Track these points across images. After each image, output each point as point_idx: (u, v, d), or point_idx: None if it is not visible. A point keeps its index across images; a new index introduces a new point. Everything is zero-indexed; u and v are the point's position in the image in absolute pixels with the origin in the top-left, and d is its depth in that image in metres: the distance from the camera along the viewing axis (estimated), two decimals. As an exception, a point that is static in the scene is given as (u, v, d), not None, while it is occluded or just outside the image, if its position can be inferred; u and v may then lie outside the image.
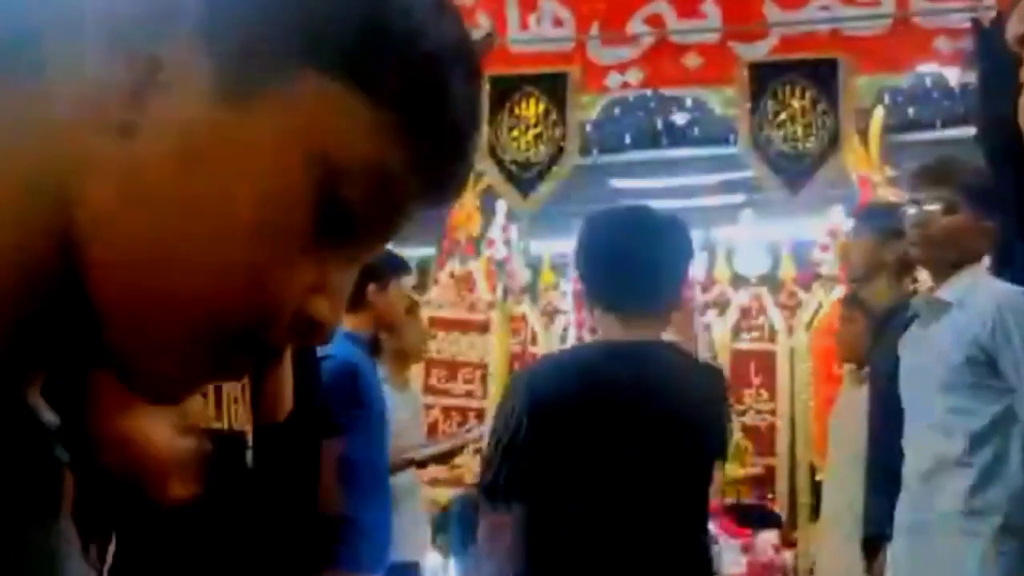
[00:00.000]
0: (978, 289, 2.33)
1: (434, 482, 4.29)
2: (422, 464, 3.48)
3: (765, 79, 4.45)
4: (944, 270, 2.38)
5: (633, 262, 1.99)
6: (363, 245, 0.53)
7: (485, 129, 4.71)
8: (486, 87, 4.70)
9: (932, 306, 2.40)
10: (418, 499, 3.63)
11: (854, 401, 3.33)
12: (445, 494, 4.58)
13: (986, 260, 2.47)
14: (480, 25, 4.81)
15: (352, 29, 0.49)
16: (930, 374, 2.33)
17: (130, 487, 0.98)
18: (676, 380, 2.00)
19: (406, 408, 3.67)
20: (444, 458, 3.69)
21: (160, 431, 1.00)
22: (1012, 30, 1.72)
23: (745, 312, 5.43)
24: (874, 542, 2.75)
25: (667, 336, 2.23)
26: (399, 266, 3.19)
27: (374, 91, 0.49)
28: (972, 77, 4.35)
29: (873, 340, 3.00)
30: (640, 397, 1.96)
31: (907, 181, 2.54)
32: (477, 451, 5.23)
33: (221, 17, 0.48)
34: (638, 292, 2.01)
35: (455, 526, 3.36)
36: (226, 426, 1.97)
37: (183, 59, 0.47)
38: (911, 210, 2.41)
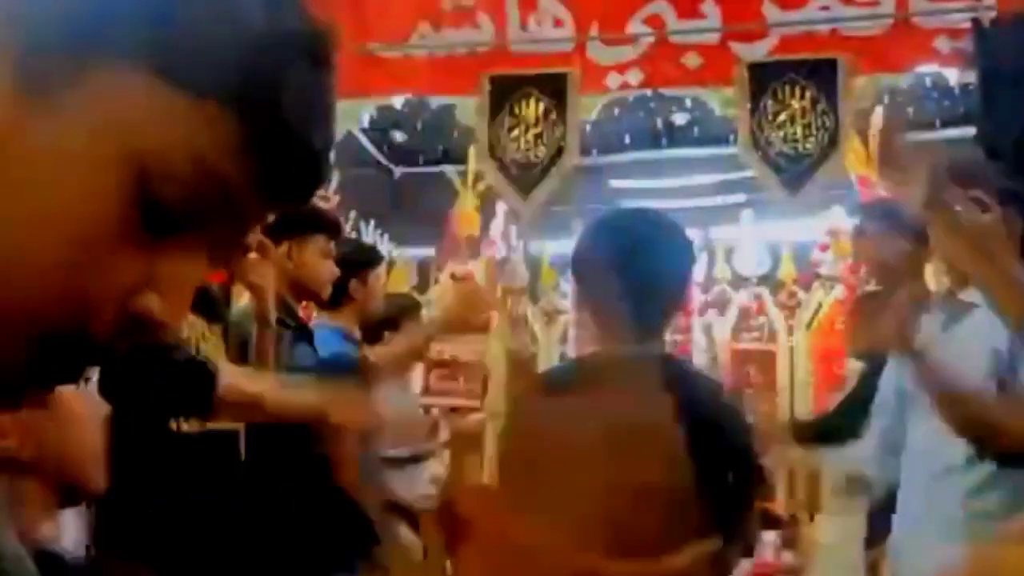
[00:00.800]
0: None
1: (436, 482, 4.29)
2: (416, 460, 3.50)
3: (765, 79, 4.45)
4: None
5: (628, 274, 1.91)
6: (201, 237, 0.51)
7: (485, 129, 4.71)
8: (486, 87, 4.71)
9: (957, 307, 2.38)
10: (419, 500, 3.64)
11: None
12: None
13: None
14: (480, 25, 4.81)
15: (152, 17, 0.48)
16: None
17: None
18: (692, 394, 1.95)
19: (406, 407, 3.67)
20: (419, 460, 3.71)
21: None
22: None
23: (745, 312, 5.43)
24: (875, 543, 2.75)
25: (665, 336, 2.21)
26: (372, 257, 3.25)
27: (187, 81, 0.48)
28: (972, 77, 4.35)
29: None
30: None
31: (933, 180, 2.48)
32: (477, 451, 5.24)
33: (15, 15, 0.47)
34: (632, 305, 1.98)
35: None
36: (226, 425, 1.97)
37: None
38: (937, 215, 2.37)
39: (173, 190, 0.48)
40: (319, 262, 2.73)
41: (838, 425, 2.79)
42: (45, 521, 1.00)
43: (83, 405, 1.03)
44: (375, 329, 3.60)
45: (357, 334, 3.18)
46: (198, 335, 2.00)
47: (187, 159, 0.48)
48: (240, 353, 2.41)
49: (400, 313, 3.77)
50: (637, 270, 1.94)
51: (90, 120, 0.47)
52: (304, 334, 2.77)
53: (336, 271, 2.79)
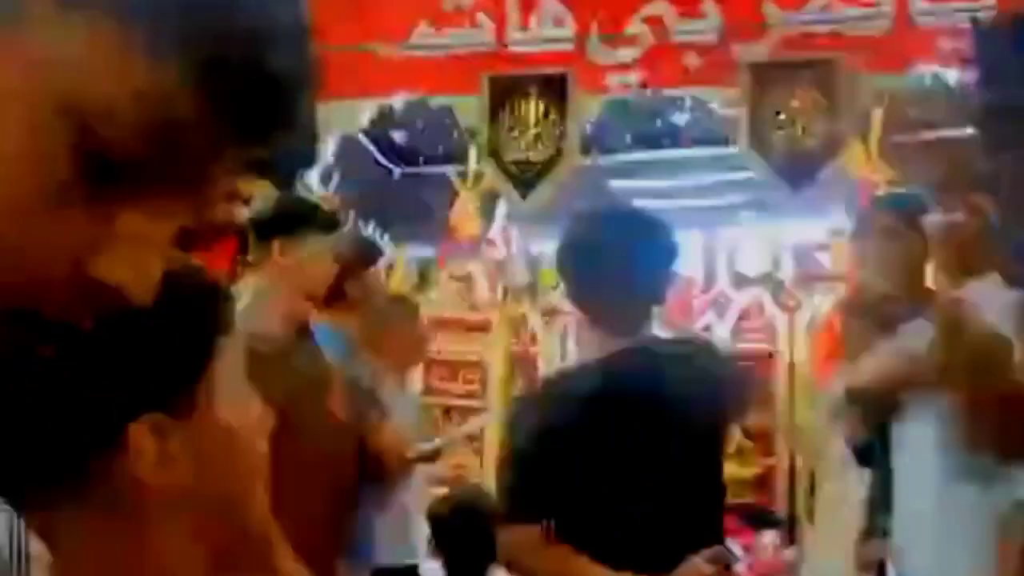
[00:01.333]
0: (997, 294, 2.31)
1: (435, 482, 4.28)
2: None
3: (765, 79, 4.45)
4: (965, 273, 2.36)
5: (609, 265, 1.99)
6: (160, 191, 0.46)
7: (485, 129, 4.70)
8: (486, 87, 4.71)
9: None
10: (418, 500, 3.63)
11: None
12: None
13: None
14: (480, 25, 4.81)
15: None
16: None
17: None
18: (674, 382, 1.97)
19: (406, 409, 3.66)
20: (427, 460, 3.68)
21: None
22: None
23: (745, 312, 5.42)
24: (871, 542, 2.75)
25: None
26: (369, 253, 3.23)
27: (134, 23, 0.43)
28: (972, 77, 4.34)
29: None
30: (644, 414, 1.93)
31: (934, 184, 2.49)
32: (477, 452, 5.24)
33: None
34: (615, 296, 2.01)
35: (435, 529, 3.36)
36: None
37: None
38: (939, 214, 2.37)
39: (116, 133, 0.43)
40: (314, 260, 2.70)
41: None
42: None
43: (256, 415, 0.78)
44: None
45: (350, 335, 3.15)
46: None
47: (128, 97, 0.43)
48: None
49: (396, 315, 3.74)
50: (615, 266, 1.97)
51: (22, 66, 0.43)
52: (308, 334, 2.75)
53: (330, 270, 2.75)
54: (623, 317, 2.02)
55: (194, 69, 0.45)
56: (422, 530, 3.52)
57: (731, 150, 5.13)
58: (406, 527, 3.37)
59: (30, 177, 0.42)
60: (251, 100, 0.48)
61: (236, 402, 0.72)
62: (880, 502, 2.60)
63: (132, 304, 0.46)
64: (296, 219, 2.66)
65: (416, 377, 4.89)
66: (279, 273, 2.58)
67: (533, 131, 4.65)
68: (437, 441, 3.81)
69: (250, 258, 2.66)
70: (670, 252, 2.11)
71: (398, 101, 5.24)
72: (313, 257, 2.64)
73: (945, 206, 2.36)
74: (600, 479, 1.93)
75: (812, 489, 4.67)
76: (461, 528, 3.01)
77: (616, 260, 1.98)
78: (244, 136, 0.49)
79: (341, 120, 5.05)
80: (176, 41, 0.44)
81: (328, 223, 2.80)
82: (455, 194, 5.69)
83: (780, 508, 4.91)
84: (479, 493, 3.43)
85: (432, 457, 3.71)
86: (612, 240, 2.00)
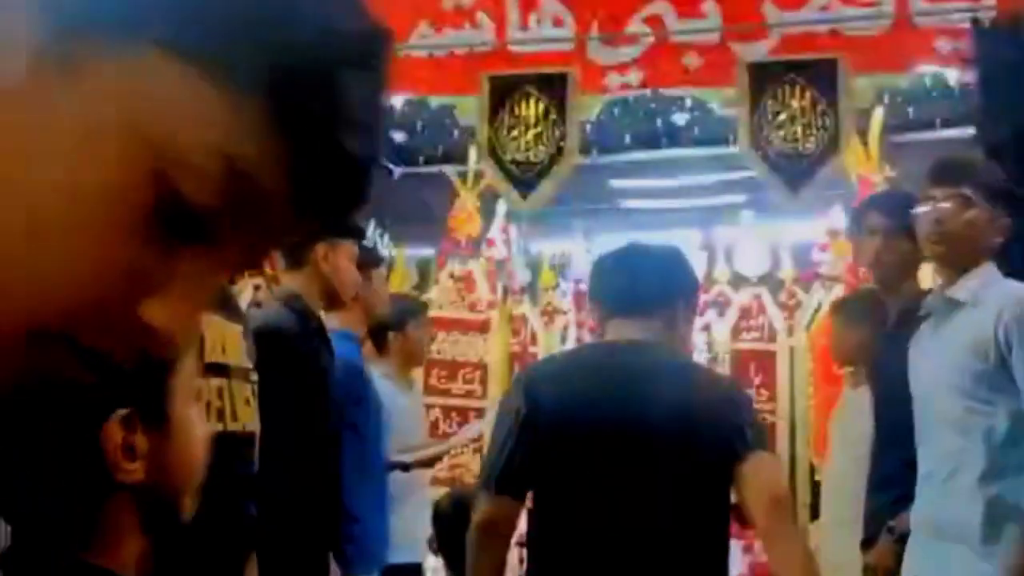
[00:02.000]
0: (992, 287, 2.31)
1: (435, 482, 4.28)
2: (407, 468, 3.48)
3: (765, 79, 4.45)
4: (958, 268, 2.35)
5: (626, 273, 2.14)
6: (225, 246, 0.46)
7: (485, 129, 4.70)
8: (486, 87, 4.71)
9: (947, 305, 2.37)
10: (420, 500, 3.63)
11: (855, 402, 3.32)
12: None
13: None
14: (480, 25, 4.81)
15: (194, 6, 0.44)
16: (946, 374, 2.30)
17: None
18: (668, 378, 2.00)
19: (411, 408, 3.67)
20: (428, 464, 3.70)
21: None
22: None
23: (745, 312, 5.43)
24: (873, 543, 2.74)
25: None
26: (373, 256, 3.26)
27: (226, 74, 0.44)
28: (972, 77, 4.35)
29: (889, 340, 2.88)
30: (633, 397, 1.97)
31: (923, 178, 2.49)
32: (477, 451, 5.23)
33: None
34: (628, 295, 2.11)
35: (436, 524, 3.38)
36: (241, 428, 1.97)
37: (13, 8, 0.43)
38: (926, 207, 2.37)
39: (195, 187, 0.44)
40: (349, 267, 2.74)
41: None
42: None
43: (202, 424, 0.94)
44: (379, 331, 3.60)
45: (361, 335, 3.18)
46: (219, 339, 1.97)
47: (214, 156, 0.44)
48: None
49: (404, 315, 3.76)
50: (629, 272, 2.14)
51: (115, 98, 0.43)
52: (323, 335, 2.75)
53: (359, 276, 2.80)
54: (635, 320, 2.14)
55: (284, 144, 0.45)
56: (424, 529, 3.52)
57: (731, 150, 5.13)
58: (409, 526, 3.38)
59: (107, 209, 0.43)
60: (335, 182, 0.48)
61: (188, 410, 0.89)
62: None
63: (172, 351, 0.46)
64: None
65: (416, 377, 4.89)
66: (319, 277, 2.64)
67: (533, 131, 4.65)
68: (437, 447, 3.82)
69: (282, 262, 2.69)
70: (686, 276, 2.25)
71: (398, 101, 5.24)
72: (348, 262, 2.71)
73: (934, 199, 2.36)
74: (582, 467, 2.00)
75: (813, 488, 4.69)
76: (463, 527, 3.01)
77: (631, 270, 2.16)
78: (321, 212, 0.49)
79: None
80: (271, 115, 0.45)
81: (361, 233, 2.91)
82: (455, 194, 5.69)
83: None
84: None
85: (431, 463, 3.72)
86: (631, 259, 2.20)
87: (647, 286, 2.10)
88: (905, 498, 2.46)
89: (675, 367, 2.11)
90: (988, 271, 2.35)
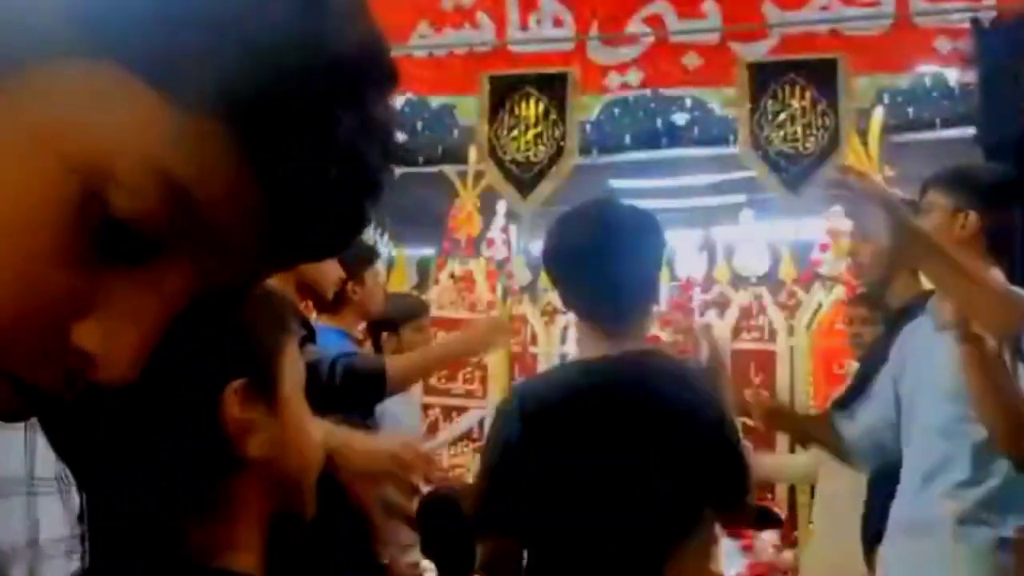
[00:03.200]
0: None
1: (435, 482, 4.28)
2: None
3: (765, 79, 4.45)
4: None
5: (600, 270, 1.90)
6: (168, 277, 0.43)
7: (485, 129, 4.70)
8: (486, 87, 4.71)
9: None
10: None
11: None
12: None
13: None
14: (480, 25, 4.81)
15: (134, 14, 0.40)
16: (937, 378, 2.29)
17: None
18: (660, 393, 1.90)
19: (406, 408, 3.66)
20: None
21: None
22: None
23: (745, 312, 5.43)
24: (878, 538, 2.74)
25: (665, 336, 2.20)
26: (367, 255, 3.23)
27: (185, 94, 0.40)
28: (972, 77, 4.35)
29: (886, 339, 2.90)
30: (623, 417, 1.87)
31: (920, 188, 2.50)
32: (477, 450, 5.23)
33: None
34: (608, 302, 1.92)
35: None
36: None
37: None
38: (923, 216, 2.37)
39: (128, 204, 0.40)
40: (330, 263, 2.70)
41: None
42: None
43: (310, 415, 0.89)
44: (377, 330, 3.59)
45: (358, 334, 3.18)
46: None
47: (151, 173, 0.40)
48: None
49: (404, 315, 3.74)
50: (601, 270, 1.89)
51: (32, 112, 0.40)
52: (310, 334, 2.73)
53: (341, 272, 2.77)
54: (616, 319, 1.96)
55: (251, 168, 0.41)
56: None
57: (731, 150, 5.13)
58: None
59: (30, 229, 0.40)
60: (315, 217, 0.44)
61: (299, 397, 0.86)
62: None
63: (111, 375, 0.42)
64: None
65: (416, 377, 4.88)
66: (296, 273, 2.60)
67: (533, 131, 4.65)
68: (431, 444, 3.79)
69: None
70: (658, 250, 2.05)
71: (398, 101, 5.25)
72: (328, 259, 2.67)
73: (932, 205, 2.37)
74: (569, 493, 1.87)
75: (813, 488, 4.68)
76: (445, 528, 3.01)
77: (602, 264, 1.90)
78: (301, 251, 0.45)
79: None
80: (235, 134, 0.41)
81: (370, 251, 2.90)
82: (455, 194, 5.69)
83: (780, 508, 4.91)
84: (461, 492, 3.43)
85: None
86: (596, 244, 1.91)
87: (630, 292, 1.94)
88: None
89: (665, 382, 1.96)
90: (995, 274, 2.35)
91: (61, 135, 0.40)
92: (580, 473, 1.87)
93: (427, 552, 3.22)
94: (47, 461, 1.42)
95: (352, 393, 2.47)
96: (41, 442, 1.41)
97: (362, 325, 3.38)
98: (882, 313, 3.09)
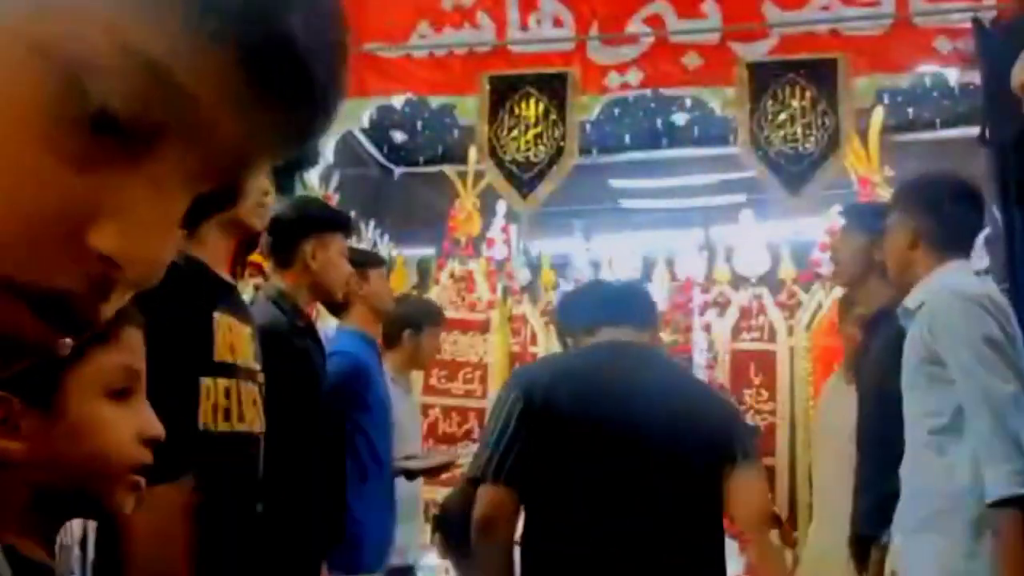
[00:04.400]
0: (932, 293, 2.39)
1: (435, 482, 4.28)
2: (412, 476, 3.44)
3: (765, 79, 4.45)
4: (903, 284, 2.49)
5: (614, 291, 2.29)
6: (170, 173, 0.42)
7: (485, 129, 4.70)
8: (486, 87, 4.71)
9: (905, 315, 2.47)
10: (413, 503, 3.62)
11: (843, 400, 3.32)
12: (444, 494, 4.57)
13: (952, 262, 2.46)
14: (480, 25, 4.80)
15: None
16: (907, 376, 2.41)
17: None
18: (671, 380, 2.03)
19: (407, 410, 3.67)
20: (434, 472, 3.62)
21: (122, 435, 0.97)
22: (1016, 78, 1.81)
23: (745, 312, 5.42)
24: (865, 542, 2.76)
25: (665, 336, 2.28)
26: (374, 257, 3.27)
27: None
28: (972, 77, 4.35)
29: (862, 341, 3.00)
30: (632, 397, 1.98)
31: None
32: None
33: None
34: (621, 306, 2.20)
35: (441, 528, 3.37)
36: (247, 429, 1.96)
37: None
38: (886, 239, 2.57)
39: (113, 88, 0.39)
40: (339, 262, 2.71)
41: None
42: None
43: (126, 424, 0.98)
44: (398, 328, 3.57)
45: (373, 335, 3.19)
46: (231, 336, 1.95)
47: (131, 55, 0.40)
48: None
49: (428, 318, 3.75)
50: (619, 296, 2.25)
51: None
52: (312, 333, 2.74)
53: (351, 270, 2.79)
54: (631, 329, 2.20)
55: (224, 44, 0.41)
56: (417, 531, 3.52)
57: (731, 150, 5.13)
58: (406, 527, 3.37)
59: (21, 127, 0.39)
60: (289, 90, 0.44)
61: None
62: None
63: (128, 277, 0.42)
64: (324, 222, 2.69)
65: (416, 377, 4.88)
66: (308, 274, 2.62)
67: (533, 131, 4.65)
68: (442, 457, 3.76)
69: (270, 258, 2.68)
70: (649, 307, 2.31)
71: (398, 101, 5.25)
72: (338, 257, 2.68)
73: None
74: (581, 460, 2.02)
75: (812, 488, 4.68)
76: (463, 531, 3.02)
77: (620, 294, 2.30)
78: (278, 129, 0.45)
79: (341, 120, 5.04)
80: (202, 26, 0.40)
81: (349, 227, 2.88)
82: (455, 194, 5.69)
83: (780, 508, 4.91)
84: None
85: (437, 472, 3.62)
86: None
87: (639, 300, 2.20)
88: (889, 497, 2.47)
89: (673, 367, 2.13)
90: (935, 276, 2.42)
91: (29, 21, 0.39)
92: (606, 436, 2.01)
93: (448, 552, 3.23)
94: None
95: None
96: None
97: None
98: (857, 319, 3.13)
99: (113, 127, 0.40)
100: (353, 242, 3.89)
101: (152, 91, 0.40)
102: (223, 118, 0.42)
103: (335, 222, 2.74)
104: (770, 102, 4.43)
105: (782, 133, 4.41)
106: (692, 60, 4.58)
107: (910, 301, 2.43)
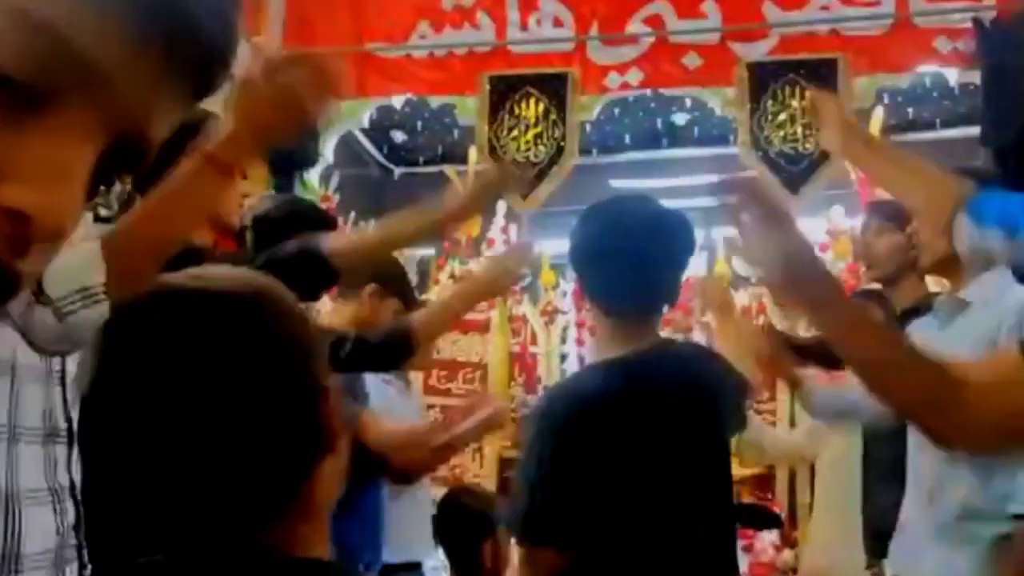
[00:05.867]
0: (1003, 291, 2.31)
1: (435, 481, 4.28)
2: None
3: (765, 79, 4.45)
4: (970, 274, 2.37)
5: (630, 265, 1.88)
6: (71, 120, 0.42)
7: (485, 129, 4.70)
8: (486, 87, 4.71)
9: (955, 306, 2.38)
10: (419, 499, 3.62)
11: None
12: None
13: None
14: (480, 25, 4.81)
15: None
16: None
17: None
18: (693, 384, 1.88)
19: (407, 407, 3.66)
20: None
21: None
22: None
23: (745, 312, 5.42)
24: (881, 539, 2.75)
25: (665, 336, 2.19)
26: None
27: None
28: (972, 77, 4.35)
29: None
30: (673, 405, 1.83)
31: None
32: (477, 451, 5.24)
33: None
34: (636, 297, 1.92)
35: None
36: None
37: None
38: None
39: (4, 50, 0.40)
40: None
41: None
42: None
43: None
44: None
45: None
46: None
47: (9, 15, 0.40)
48: None
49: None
50: (632, 271, 1.88)
51: None
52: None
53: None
54: (640, 315, 1.96)
55: (109, 15, 0.42)
56: (425, 528, 3.52)
57: (731, 150, 5.13)
58: (409, 525, 3.37)
59: None
60: (182, 33, 0.44)
61: None
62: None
63: (40, 232, 0.42)
64: (309, 221, 2.68)
65: (416, 377, 4.88)
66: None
67: (533, 131, 4.65)
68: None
69: (254, 257, 2.68)
70: (686, 250, 2.02)
71: (398, 101, 5.25)
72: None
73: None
74: (627, 496, 1.78)
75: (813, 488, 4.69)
76: (461, 524, 3.03)
77: (633, 265, 1.88)
78: (180, 73, 0.45)
79: (341, 120, 5.05)
80: None
81: (332, 225, 2.84)
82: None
83: (780, 508, 4.91)
84: (480, 492, 3.45)
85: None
86: (627, 246, 1.89)
87: (668, 286, 1.94)
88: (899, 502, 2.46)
89: (700, 362, 1.98)
90: (1000, 276, 2.36)
91: None
92: (644, 472, 1.79)
93: (444, 550, 3.24)
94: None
95: (385, 352, 2.49)
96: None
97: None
98: (885, 312, 3.10)
99: (8, 86, 0.40)
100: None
101: (47, 54, 0.40)
102: (120, 78, 0.43)
103: (319, 222, 2.73)
104: (770, 102, 4.43)
105: (782, 133, 4.41)
106: (692, 60, 4.59)
107: (969, 294, 2.33)
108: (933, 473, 2.29)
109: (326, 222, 2.76)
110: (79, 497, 1.50)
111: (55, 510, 1.44)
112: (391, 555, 3.15)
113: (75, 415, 1.52)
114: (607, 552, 1.77)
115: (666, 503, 1.80)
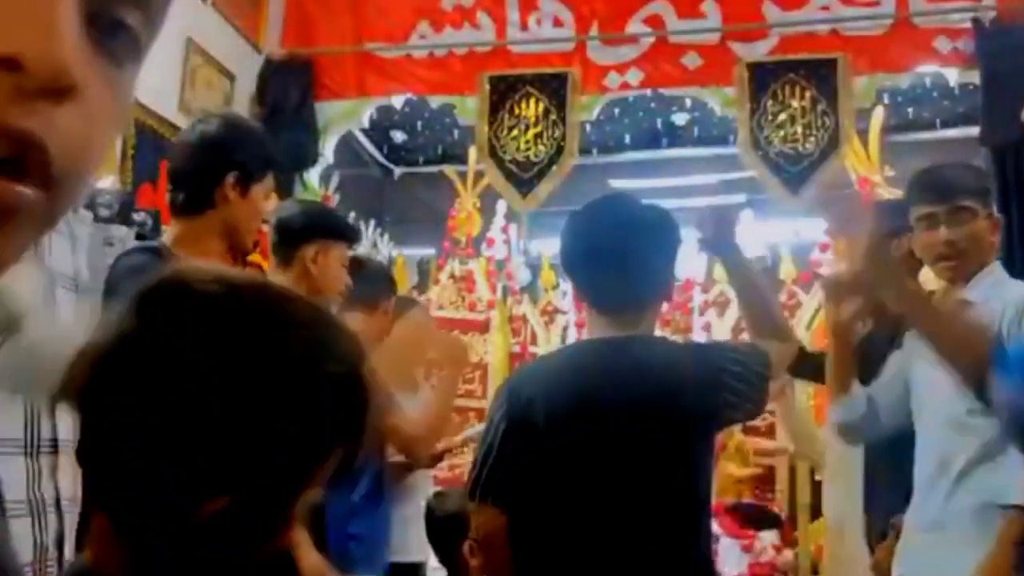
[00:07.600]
0: (1001, 287, 2.31)
1: (435, 482, 4.29)
2: (409, 468, 3.44)
3: (765, 79, 4.46)
4: (968, 275, 2.37)
5: (610, 259, 1.95)
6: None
7: (485, 129, 4.71)
8: (486, 87, 4.71)
9: (957, 307, 2.38)
10: (421, 500, 3.62)
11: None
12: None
13: None
14: (480, 25, 4.81)
15: None
16: (948, 375, 2.31)
17: None
18: (659, 373, 1.91)
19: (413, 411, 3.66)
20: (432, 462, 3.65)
21: None
22: None
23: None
24: (882, 539, 2.75)
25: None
26: (343, 229, 3.23)
27: None
28: (972, 77, 4.35)
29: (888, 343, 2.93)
30: (618, 396, 1.89)
31: (916, 197, 2.51)
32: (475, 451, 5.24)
33: None
34: (618, 289, 1.96)
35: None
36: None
37: None
38: (929, 227, 2.40)
39: None
40: (338, 269, 2.71)
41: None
42: None
43: None
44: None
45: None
46: None
47: None
48: None
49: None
50: (615, 259, 1.93)
51: None
52: None
53: (348, 279, 2.77)
54: (625, 310, 2.00)
55: None
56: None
57: (731, 150, 5.14)
58: (412, 526, 3.38)
59: None
60: None
61: None
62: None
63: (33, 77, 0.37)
64: (329, 229, 2.69)
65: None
66: (308, 278, 2.62)
67: (533, 131, 4.66)
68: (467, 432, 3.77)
69: (272, 255, 2.68)
70: (669, 246, 2.04)
71: (398, 101, 5.25)
72: (338, 266, 2.68)
73: (934, 217, 2.39)
74: (566, 472, 1.89)
75: (813, 488, 4.69)
76: (454, 527, 3.03)
77: (611, 263, 1.94)
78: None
79: (341, 120, 5.06)
80: None
81: (354, 238, 2.86)
82: (455, 194, 5.69)
83: (780, 508, 4.91)
84: (460, 493, 3.45)
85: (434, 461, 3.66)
86: (604, 244, 1.96)
87: (641, 281, 1.97)
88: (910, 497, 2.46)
89: (662, 360, 2.00)
90: (996, 271, 2.36)
91: None
92: (589, 444, 1.87)
93: (435, 552, 3.24)
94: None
95: None
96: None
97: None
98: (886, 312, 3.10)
99: None
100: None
101: None
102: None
103: (340, 231, 2.74)
104: (770, 102, 4.43)
105: (782, 133, 4.41)
106: (692, 60, 4.59)
107: (971, 294, 2.31)
108: (946, 464, 2.29)
109: (343, 231, 2.77)
110: (64, 511, 1.48)
111: (35, 524, 1.41)
112: (395, 555, 3.15)
113: (61, 423, 1.49)
114: (541, 514, 1.89)
115: (597, 476, 1.87)
